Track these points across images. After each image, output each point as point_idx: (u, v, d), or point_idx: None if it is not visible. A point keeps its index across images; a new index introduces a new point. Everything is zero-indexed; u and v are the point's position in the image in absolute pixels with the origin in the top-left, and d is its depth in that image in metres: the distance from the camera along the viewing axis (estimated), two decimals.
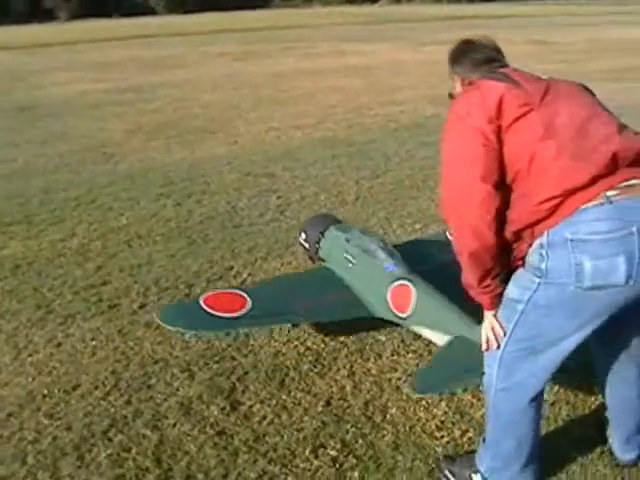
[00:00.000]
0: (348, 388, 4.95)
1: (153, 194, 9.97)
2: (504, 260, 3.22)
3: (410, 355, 5.38)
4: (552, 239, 2.93)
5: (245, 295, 5.37)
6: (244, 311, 5.15)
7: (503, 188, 3.06)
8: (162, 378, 5.13)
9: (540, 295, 3.05)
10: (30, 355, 5.59)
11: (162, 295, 6.59)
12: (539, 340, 3.22)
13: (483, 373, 3.92)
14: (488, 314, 3.42)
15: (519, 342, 3.30)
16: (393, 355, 5.38)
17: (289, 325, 5.80)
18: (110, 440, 4.42)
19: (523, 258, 3.19)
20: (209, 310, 5.11)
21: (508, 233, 3.10)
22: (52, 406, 4.83)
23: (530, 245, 3.11)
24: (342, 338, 5.65)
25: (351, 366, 5.25)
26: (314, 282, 6.03)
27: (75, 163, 12.04)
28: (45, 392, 5.01)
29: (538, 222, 2.98)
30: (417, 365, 5.24)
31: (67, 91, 21.24)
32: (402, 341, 5.57)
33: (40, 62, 31.85)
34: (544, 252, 2.96)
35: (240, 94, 19.75)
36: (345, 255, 5.83)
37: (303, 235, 6.49)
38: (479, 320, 4.05)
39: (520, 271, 3.18)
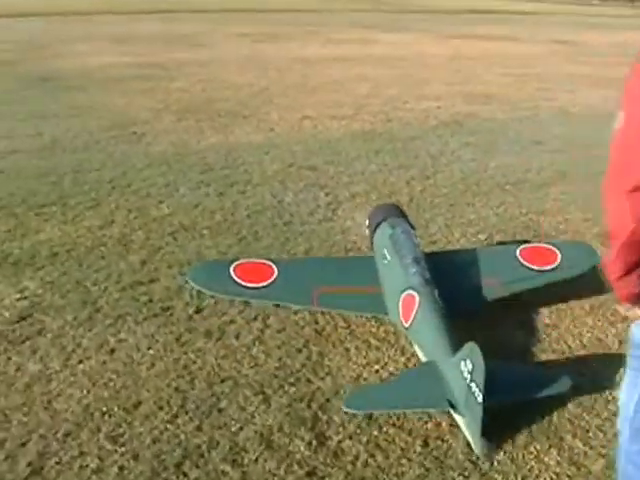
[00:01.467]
0: (444, 425, 4.41)
1: (193, 181, 9.39)
2: None
3: None
4: None
5: (274, 267, 5.66)
6: (266, 283, 5.45)
7: None
8: (234, 400, 4.58)
9: None
10: (81, 362, 5.03)
11: (218, 300, 6.00)
12: None
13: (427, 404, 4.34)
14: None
15: None
16: None
17: (365, 345, 5.32)
18: (185, 476, 3.88)
19: None
20: (236, 278, 5.51)
21: None
22: (113, 427, 4.29)
23: None
24: None
25: None
26: (348, 269, 6.03)
27: (105, 141, 11.44)
28: (104, 409, 4.46)
29: None
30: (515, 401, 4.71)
31: (89, 63, 20.56)
32: None
33: (59, 31, 31.05)
34: None
35: (267, 78, 19.11)
36: (384, 251, 5.77)
37: (367, 222, 6.56)
38: (457, 349, 4.30)
39: None
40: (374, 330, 5.61)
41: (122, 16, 40.11)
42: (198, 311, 5.81)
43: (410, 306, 5.11)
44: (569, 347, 5.41)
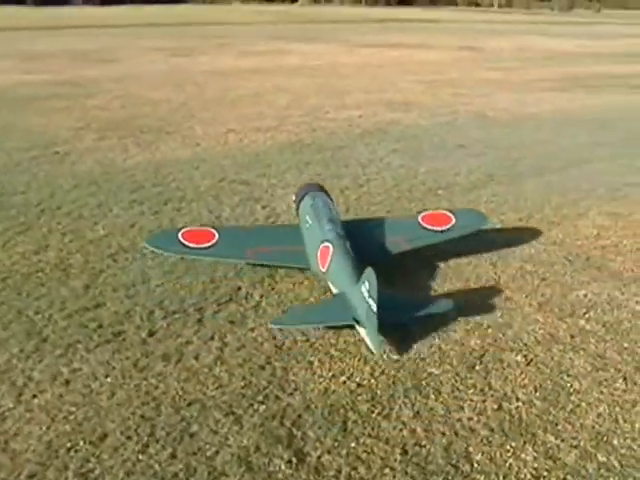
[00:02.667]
0: (419, 431, 4.43)
1: (125, 200, 9.13)
2: None
3: (471, 391, 4.90)
4: None
5: (215, 232, 6.88)
6: (209, 244, 6.68)
7: None
8: (204, 424, 4.46)
9: None
10: (35, 396, 4.78)
11: (171, 321, 5.85)
12: None
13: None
14: None
15: None
16: (454, 391, 4.89)
17: (334, 352, 5.29)
18: None
19: None
20: (183, 241, 6.71)
21: None
22: (82, 463, 4.09)
23: None
24: (392, 372, 5.12)
25: (412, 404, 4.73)
26: (277, 234, 7.52)
27: (26, 162, 10.99)
28: (68, 444, 4.25)
29: None
30: (483, 401, 4.78)
31: None
32: (457, 374, 5.10)
33: None
34: None
35: (186, 92, 18.85)
36: (306, 217, 7.09)
37: (294, 197, 7.91)
38: (358, 280, 5.53)
39: None
40: (333, 341, 5.59)
41: (25, 32, 38.77)
42: (151, 334, 5.63)
43: (326, 255, 6.39)
44: (525, 344, 5.53)
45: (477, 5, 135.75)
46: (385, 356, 5.31)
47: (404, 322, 5.72)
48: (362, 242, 6.72)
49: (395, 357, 5.30)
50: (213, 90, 19.29)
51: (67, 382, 4.95)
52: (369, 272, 5.26)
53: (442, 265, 7.12)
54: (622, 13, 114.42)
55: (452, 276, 6.85)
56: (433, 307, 5.84)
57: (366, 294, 5.23)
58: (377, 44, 36.22)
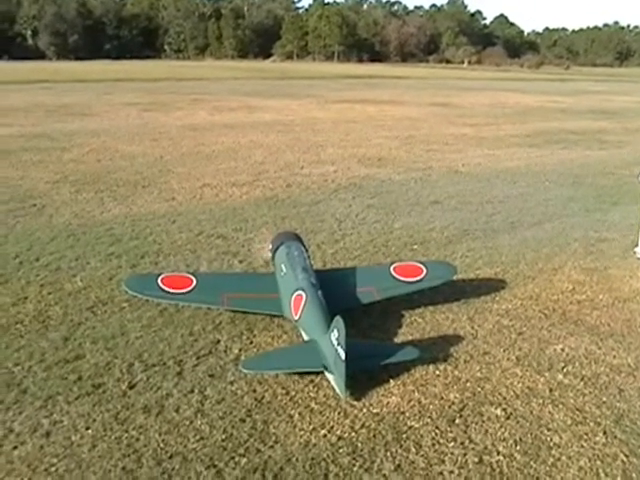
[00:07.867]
0: None
1: (102, 253, 9.16)
2: None
3: (452, 444, 4.99)
4: None
5: (193, 278, 7.09)
6: (186, 290, 6.87)
7: None
8: (186, 476, 4.48)
9: None
10: (15, 447, 4.77)
11: (150, 373, 5.87)
12: None
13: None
14: None
15: None
16: (434, 445, 4.96)
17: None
18: None
19: None
20: (162, 286, 6.87)
21: None
22: None
23: None
24: (372, 425, 5.18)
25: (393, 458, 4.79)
26: (253, 281, 7.76)
27: (3, 215, 10.99)
28: None
29: None
30: (464, 455, 4.85)
31: None
32: (437, 427, 5.18)
33: None
34: None
35: (161, 147, 18.99)
36: (281, 265, 7.31)
37: (270, 245, 8.12)
38: (328, 329, 5.73)
39: None
40: (313, 395, 5.64)
41: (3, 86, 38.91)
42: (132, 386, 5.65)
43: (299, 303, 6.57)
44: (504, 398, 5.63)
45: (448, 62, 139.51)
46: (365, 409, 5.38)
47: (371, 369, 5.89)
48: (334, 291, 6.92)
49: (375, 410, 5.37)
50: (188, 145, 19.47)
51: (48, 434, 4.95)
52: (338, 321, 5.46)
53: (419, 319, 7.23)
54: (589, 70, 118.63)
55: (430, 330, 6.96)
56: (399, 355, 5.99)
57: (335, 342, 5.44)
58: (350, 100, 36.92)
